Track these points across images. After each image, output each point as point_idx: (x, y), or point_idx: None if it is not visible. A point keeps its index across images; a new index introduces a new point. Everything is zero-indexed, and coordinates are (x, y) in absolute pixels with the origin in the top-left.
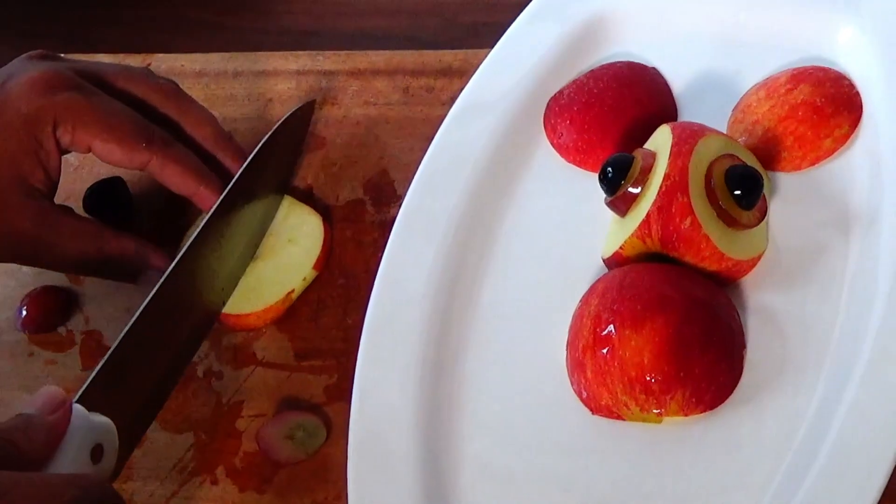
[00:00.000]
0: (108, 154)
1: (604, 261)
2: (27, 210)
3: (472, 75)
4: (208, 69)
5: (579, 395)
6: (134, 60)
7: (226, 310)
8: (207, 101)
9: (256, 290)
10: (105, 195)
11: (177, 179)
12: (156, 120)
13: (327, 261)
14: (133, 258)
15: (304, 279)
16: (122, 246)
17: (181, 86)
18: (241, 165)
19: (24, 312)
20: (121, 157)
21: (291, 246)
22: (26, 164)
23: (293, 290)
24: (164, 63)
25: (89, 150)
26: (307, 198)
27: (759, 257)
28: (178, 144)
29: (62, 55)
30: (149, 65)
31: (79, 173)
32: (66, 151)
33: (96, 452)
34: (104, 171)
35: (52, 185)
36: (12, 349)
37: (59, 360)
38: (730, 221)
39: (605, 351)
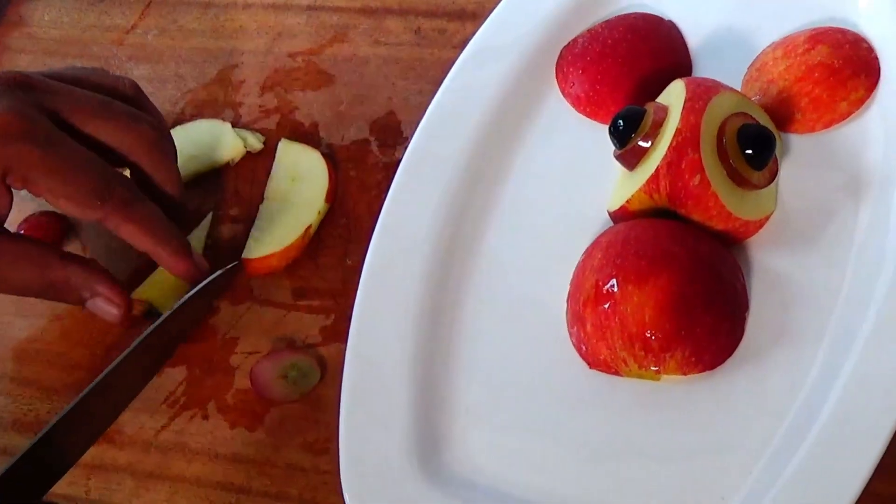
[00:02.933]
0: (60, 207)
1: (609, 214)
2: None
3: (485, 19)
4: (217, 0)
5: (577, 348)
6: None
7: (245, 255)
8: (215, 34)
9: (272, 232)
10: None
11: (134, 239)
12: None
13: (335, 194)
14: (79, 286)
15: (319, 212)
16: (67, 274)
17: (188, 17)
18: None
19: None
20: (73, 211)
21: (297, 183)
22: None
23: (310, 226)
24: None
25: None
26: (311, 136)
27: (767, 219)
28: (139, 202)
29: (41, 74)
30: None
31: None
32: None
33: None
34: None
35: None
36: None
37: None
38: (740, 181)
39: (606, 306)
